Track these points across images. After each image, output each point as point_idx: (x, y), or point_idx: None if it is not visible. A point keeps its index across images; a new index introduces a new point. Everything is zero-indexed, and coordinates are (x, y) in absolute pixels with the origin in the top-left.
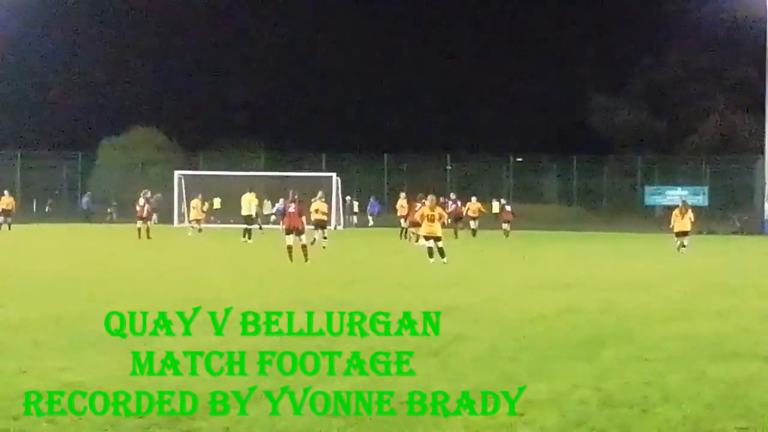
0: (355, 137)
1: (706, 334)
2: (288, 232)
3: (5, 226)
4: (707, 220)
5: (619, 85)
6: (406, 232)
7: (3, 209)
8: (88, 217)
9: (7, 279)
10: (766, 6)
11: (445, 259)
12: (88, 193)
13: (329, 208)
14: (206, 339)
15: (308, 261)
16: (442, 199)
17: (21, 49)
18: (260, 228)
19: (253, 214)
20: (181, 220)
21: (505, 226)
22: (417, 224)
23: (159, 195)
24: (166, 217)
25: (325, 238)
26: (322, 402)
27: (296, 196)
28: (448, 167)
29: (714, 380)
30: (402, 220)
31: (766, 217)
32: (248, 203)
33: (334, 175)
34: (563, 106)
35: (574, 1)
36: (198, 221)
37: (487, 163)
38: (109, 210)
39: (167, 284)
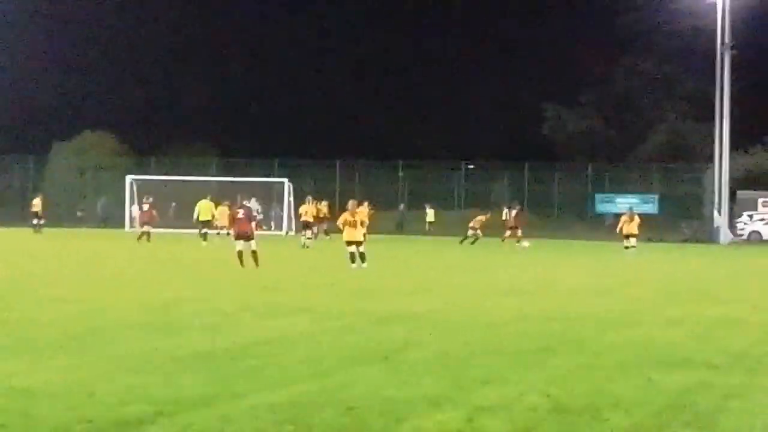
0: (308, 143)
1: (656, 341)
2: (237, 237)
3: (39, 229)
4: (657, 228)
5: (571, 94)
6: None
7: (33, 212)
8: (104, 221)
9: None
10: (716, 17)
11: (365, 264)
12: (103, 198)
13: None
14: (158, 343)
15: (259, 266)
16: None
17: None
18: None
19: (213, 219)
20: (132, 225)
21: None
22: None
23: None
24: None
25: (309, 238)
26: (273, 407)
27: (244, 202)
28: (401, 174)
29: (663, 387)
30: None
31: (715, 226)
32: (207, 209)
33: (286, 180)
34: (515, 114)
35: (527, 12)
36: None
37: (440, 170)
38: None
39: (124, 287)
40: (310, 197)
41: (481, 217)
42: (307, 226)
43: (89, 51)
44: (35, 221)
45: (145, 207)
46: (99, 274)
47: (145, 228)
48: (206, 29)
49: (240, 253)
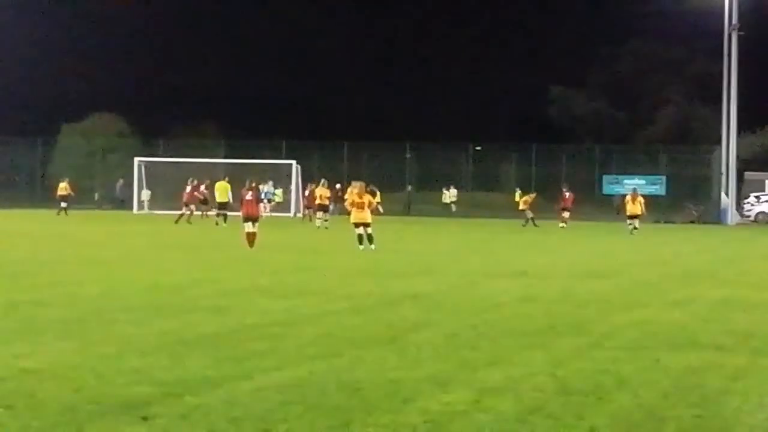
0: (315, 125)
1: (662, 322)
2: (246, 219)
3: (63, 212)
4: (665, 209)
5: (579, 76)
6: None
7: (60, 195)
8: (122, 203)
9: None
10: None
11: (373, 246)
12: (121, 180)
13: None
14: (165, 324)
15: (253, 248)
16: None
17: None
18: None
19: (230, 201)
20: (140, 207)
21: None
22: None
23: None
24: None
25: (326, 220)
26: (280, 389)
27: (253, 184)
28: (408, 155)
29: (669, 368)
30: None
31: (722, 207)
32: (224, 190)
33: (294, 162)
34: (523, 96)
35: None
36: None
37: (447, 152)
38: None
39: (132, 269)
40: (324, 180)
41: (527, 197)
42: (322, 208)
43: (97, 33)
44: (63, 204)
45: (188, 188)
46: (106, 256)
47: (185, 210)
48: (214, 10)
49: (248, 235)
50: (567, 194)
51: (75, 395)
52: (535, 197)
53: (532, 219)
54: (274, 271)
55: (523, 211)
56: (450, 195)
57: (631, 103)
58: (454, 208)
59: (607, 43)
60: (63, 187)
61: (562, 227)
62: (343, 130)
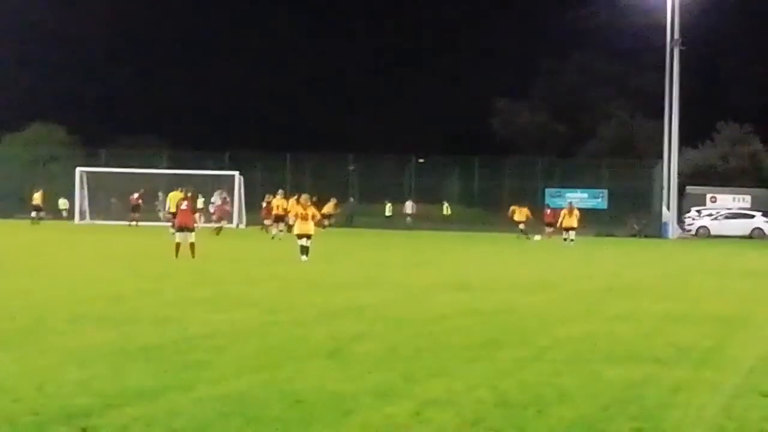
0: (258, 136)
1: (603, 335)
2: (179, 229)
3: (36, 222)
4: (606, 223)
5: (521, 89)
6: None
7: (34, 205)
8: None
9: None
10: (666, 13)
11: (307, 257)
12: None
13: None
14: (106, 335)
15: (195, 258)
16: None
17: None
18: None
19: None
20: (82, 217)
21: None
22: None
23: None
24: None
25: (281, 231)
26: (221, 400)
27: (189, 194)
28: (351, 167)
29: (609, 381)
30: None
31: (663, 221)
32: (176, 200)
33: (236, 173)
34: (466, 108)
35: (476, 5)
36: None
37: (390, 164)
38: None
39: (73, 280)
40: (281, 190)
41: (524, 209)
42: (278, 219)
43: (38, 42)
44: (34, 214)
45: (218, 201)
46: (48, 265)
47: (223, 223)
48: (155, 21)
49: (178, 245)
50: (548, 210)
51: (14, 406)
52: (528, 208)
53: (524, 232)
54: (216, 282)
55: (520, 223)
56: (407, 207)
57: (573, 116)
58: (410, 220)
59: (550, 56)
60: (36, 197)
61: (539, 240)
62: (286, 141)
